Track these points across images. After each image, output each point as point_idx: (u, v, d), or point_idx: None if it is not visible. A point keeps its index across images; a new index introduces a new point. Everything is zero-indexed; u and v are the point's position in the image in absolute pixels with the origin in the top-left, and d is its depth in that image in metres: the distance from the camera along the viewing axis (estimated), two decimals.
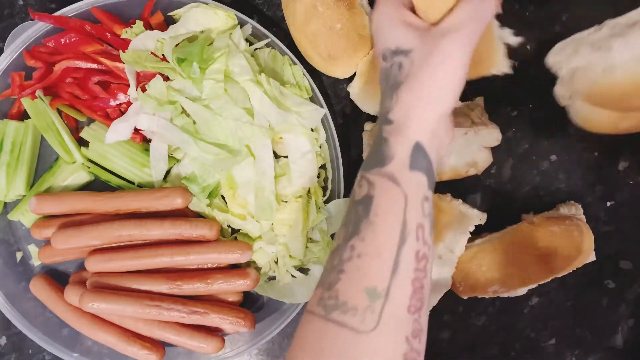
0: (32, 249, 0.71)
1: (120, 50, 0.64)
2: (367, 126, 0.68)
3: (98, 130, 0.67)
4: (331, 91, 0.71)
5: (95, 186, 0.70)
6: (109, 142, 0.65)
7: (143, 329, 0.66)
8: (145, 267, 0.65)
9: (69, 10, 0.65)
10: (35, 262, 0.70)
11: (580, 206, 0.67)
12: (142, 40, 0.64)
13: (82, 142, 0.68)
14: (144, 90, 0.64)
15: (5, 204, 0.70)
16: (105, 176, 0.68)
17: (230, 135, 0.63)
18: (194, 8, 0.65)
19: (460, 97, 0.58)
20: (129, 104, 0.67)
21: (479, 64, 0.53)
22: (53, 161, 0.70)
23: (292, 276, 0.68)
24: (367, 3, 0.64)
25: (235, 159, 0.64)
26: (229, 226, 0.69)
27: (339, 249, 0.45)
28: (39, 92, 0.66)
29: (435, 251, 0.63)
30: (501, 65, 0.55)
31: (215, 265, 0.67)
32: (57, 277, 0.70)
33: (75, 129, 0.70)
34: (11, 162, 0.66)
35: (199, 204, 0.67)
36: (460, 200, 0.66)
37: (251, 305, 0.70)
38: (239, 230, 0.69)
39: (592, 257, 0.64)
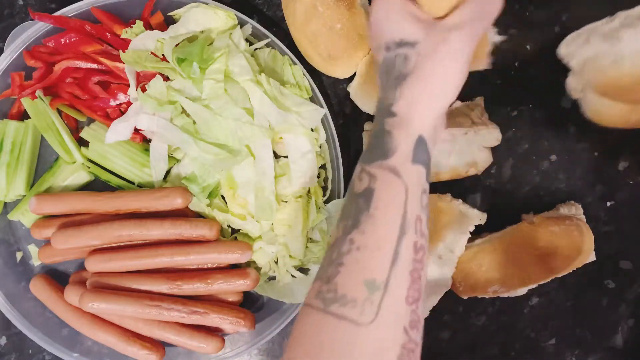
0: (32, 249, 0.71)
1: (120, 50, 0.64)
2: (367, 126, 0.68)
3: (98, 130, 0.67)
4: (331, 91, 0.71)
5: (95, 186, 0.70)
6: (109, 142, 0.65)
7: (143, 329, 0.66)
8: (145, 267, 0.65)
9: (69, 10, 0.65)
10: (35, 262, 0.70)
11: (580, 206, 0.67)
12: (142, 40, 0.64)
13: (82, 142, 0.68)
14: (144, 90, 0.64)
15: (5, 204, 0.70)
16: (105, 176, 0.68)
17: (230, 135, 0.63)
18: (194, 8, 0.65)
19: (461, 97, 0.58)
20: (129, 104, 0.67)
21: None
22: (53, 161, 0.70)
23: (292, 276, 0.68)
24: (367, 3, 0.64)
25: (235, 159, 0.64)
26: (229, 226, 0.69)
27: (338, 242, 0.45)
28: (39, 92, 0.66)
29: (435, 251, 0.63)
30: (484, 62, 0.56)
31: (215, 265, 0.67)
32: (57, 277, 0.70)
33: (75, 129, 0.70)
34: (11, 162, 0.66)
35: (199, 204, 0.67)
36: (460, 200, 0.66)
37: (251, 305, 0.70)
38: (239, 230, 0.69)
39: (592, 257, 0.64)
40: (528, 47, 0.68)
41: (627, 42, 0.52)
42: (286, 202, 0.67)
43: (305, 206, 0.66)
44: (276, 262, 0.68)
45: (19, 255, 0.71)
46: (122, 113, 0.67)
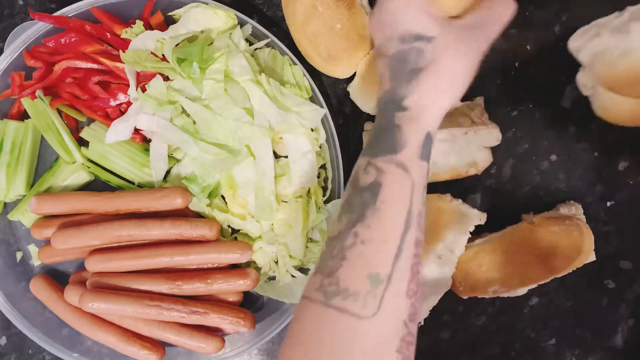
0: (32, 249, 0.71)
1: (120, 50, 0.64)
2: (367, 126, 0.68)
3: (98, 130, 0.67)
4: (331, 91, 0.71)
5: (95, 186, 0.70)
6: (109, 142, 0.65)
7: (143, 329, 0.66)
8: (145, 267, 0.65)
9: (69, 10, 0.65)
10: (35, 262, 0.70)
11: (580, 206, 0.67)
12: (142, 40, 0.64)
13: (82, 142, 0.68)
14: (144, 90, 0.64)
15: (5, 204, 0.70)
16: (105, 176, 0.68)
17: (230, 135, 0.63)
18: (194, 8, 0.65)
19: (461, 97, 0.58)
20: (129, 104, 0.67)
21: None
22: (53, 161, 0.70)
23: (292, 276, 0.68)
24: (367, 3, 0.64)
25: (235, 159, 0.64)
26: (229, 226, 0.69)
27: (341, 235, 0.45)
28: (39, 92, 0.66)
29: (435, 251, 0.63)
30: None
31: (215, 265, 0.67)
32: (57, 277, 0.70)
33: (75, 129, 0.70)
34: (11, 162, 0.66)
35: (199, 204, 0.67)
36: (460, 200, 0.66)
37: (251, 305, 0.70)
38: (239, 230, 0.69)
39: (592, 257, 0.64)
40: (528, 47, 0.68)
41: (636, 35, 0.53)
42: (286, 202, 0.67)
43: (305, 206, 0.66)
44: (276, 262, 0.68)
45: (19, 255, 0.71)
46: (122, 113, 0.67)
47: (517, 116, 0.69)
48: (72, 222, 0.67)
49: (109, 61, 0.65)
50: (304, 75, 0.66)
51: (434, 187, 0.66)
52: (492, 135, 0.65)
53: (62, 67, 0.66)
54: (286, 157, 0.66)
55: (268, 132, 0.64)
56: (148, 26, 0.66)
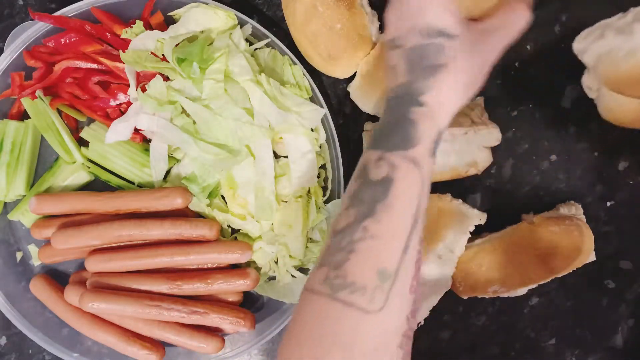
0: (32, 249, 0.71)
1: (120, 50, 0.64)
2: (367, 126, 0.68)
3: (98, 130, 0.67)
4: (331, 91, 0.71)
5: (95, 186, 0.70)
6: (109, 142, 0.65)
7: (143, 329, 0.66)
8: (145, 267, 0.65)
9: (69, 10, 0.65)
10: (35, 262, 0.70)
11: (580, 206, 0.67)
12: (142, 40, 0.64)
13: (82, 142, 0.68)
14: (144, 90, 0.64)
15: (5, 204, 0.70)
16: (105, 176, 0.68)
17: (230, 135, 0.63)
18: (194, 8, 0.65)
19: None
20: (129, 104, 0.67)
21: None
22: (53, 161, 0.70)
23: (292, 276, 0.68)
24: (367, 3, 0.64)
25: (235, 159, 0.64)
26: (229, 226, 0.69)
27: (349, 228, 0.45)
28: (39, 92, 0.66)
29: (435, 251, 0.63)
30: None
31: (215, 265, 0.67)
32: (57, 277, 0.70)
33: (75, 129, 0.70)
34: (11, 162, 0.66)
35: (199, 204, 0.67)
36: (460, 200, 0.66)
37: (251, 305, 0.70)
38: (239, 230, 0.69)
39: (592, 257, 0.64)
40: (528, 47, 0.68)
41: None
42: (286, 202, 0.67)
43: (305, 206, 0.66)
44: (276, 262, 0.68)
45: (19, 255, 0.71)
46: (122, 113, 0.67)
47: (517, 116, 0.69)
48: (72, 222, 0.67)
49: (109, 61, 0.65)
50: (304, 75, 0.66)
51: (434, 187, 0.66)
52: (492, 135, 0.65)
53: (62, 67, 0.66)
54: (286, 157, 0.66)
55: (268, 132, 0.64)
56: (148, 26, 0.66)
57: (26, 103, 0.66)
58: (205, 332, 0.66)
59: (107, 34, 0.66)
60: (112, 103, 0.67)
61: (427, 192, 0.46)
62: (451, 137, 0.64)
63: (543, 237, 0.63)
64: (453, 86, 0.47)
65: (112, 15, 0.67)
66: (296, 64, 0.66)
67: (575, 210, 0.66)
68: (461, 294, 0.68)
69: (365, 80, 0.65)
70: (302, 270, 0.68)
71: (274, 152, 0.66)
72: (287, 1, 0.64)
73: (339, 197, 0.67)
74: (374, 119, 0.69)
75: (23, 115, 0.69)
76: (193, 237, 0.65)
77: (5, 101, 0.68)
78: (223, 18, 0.65)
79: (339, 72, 0.67)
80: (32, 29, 0.65)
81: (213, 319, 0.65)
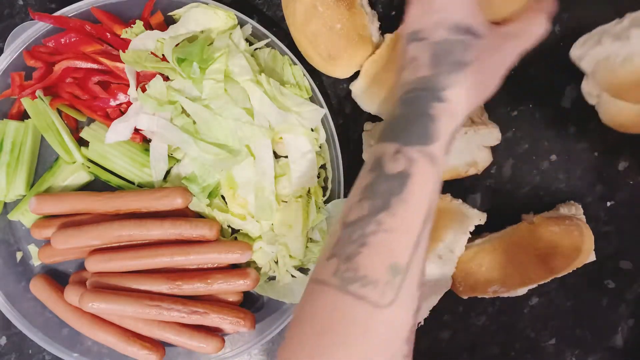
0: (32, 249, 0.71)
1: (120, 50, 0.64)
2: (367, 126, 0.68)
3: (98, 130, 0.67)
4: (331, 91, 0.71)
5: (95, 186, 0.70)
6: (109, 142, 0.65)
7: (143, 329, 0.66)
8: (145, 267, 0.65)
9: (69, 10, 0.65)
10: (35, 262, 0.70)
11: (580, 206, 0.67)
12: (142, 40, 0.64)
13: (82, 142, 0.68)
14: (144, 90, 0.64)
15: (5, 204, 0.70)
16: (105, 176, 0.68)
17: (230, 135, 0.63)
18: (194, 8, 0.65)
19: None
20: (129, 104, 0.67)
21: None
22: (53, 161, 0.70)
23: (292, 276, 0.68)
24: (367, 3, 0.64)
25: (235, 159, 0.64)
26: (229, 226, 0.69)
27: (362, 221, 0.44)
28: (39, 92, 0.66)
29: (435, 251, 0.63)
30: None
31: (215, 265, 0.67)
32: (57, 277, 0.70)
33: (75, 129, 0.70)
34: (11, 162, 0.66)
35: (199, 204, 0.67)
36: (460, 200, 0.66)
37: (251, 305, 0.70)
38: (239, 230, 0.69)
39: (592, 257, 0.64)
40: None
41: (637, 41, 0.53)
42: (286, 202, 0.67)
43: (305, 206, 0.66)
44: (276, 262, 0.68)
45: (19, 255, 0.71)
46: (122, 113, 0.67)
47: (517, 116, 0.69)
48: (72, 222, 0.67)
49: (109, 61, 0.65)
50: (304, 75, 0.66)
51: None
52: (492, 134, 0.65)
53: (62, 67, 0.66)
54: (286, 157, 0.66)
55: (268, 132, 0.64)
56: (148, 26, 0.66)
57: (26, 103, 0.66)
58: (205, 332, 0.66)
59: (107, 34, 0.66)
60: (112, 103, 0.67)
61: (439, 189, 0.46)
62: None
63: (543, 237, 0.63)
64: (475, 85, 0.47)
65: (112, 15, 0.67)
66: (296, 64, 0.66)
67: (575, 210, 0.66)
68: (461, 294, 0.68)
69: (370, 81, 0.65)
70: (302, 270, 0.68)
71: (274, 152, 0.66)
72: (287, 1, 0.64)
73: (339, 197, 0.67)
74: (374, 119, 0.69)
75: (23, 115, 0.69)
76: (193, 237, 0.65)
77: (5, 101, 0.68)
78: (223, 18, 0.65)
79: (339, 72, 0.66)
80: (32, 29, 0.65)
81: (213, 319, 0.65)
